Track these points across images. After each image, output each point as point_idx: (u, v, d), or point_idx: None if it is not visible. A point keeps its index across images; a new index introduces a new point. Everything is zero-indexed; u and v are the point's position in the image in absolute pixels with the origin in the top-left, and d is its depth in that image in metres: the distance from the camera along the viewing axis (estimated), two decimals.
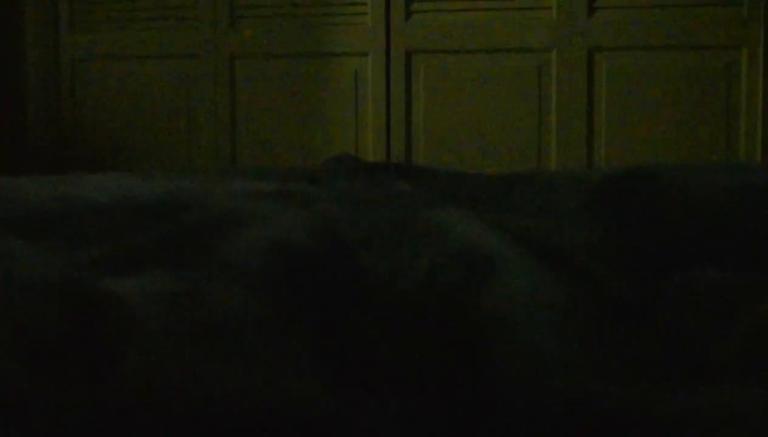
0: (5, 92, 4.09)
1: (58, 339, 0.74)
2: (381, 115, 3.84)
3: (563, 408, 0.60)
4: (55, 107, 4.12)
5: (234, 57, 3.97)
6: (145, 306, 0.74)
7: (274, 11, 3.91)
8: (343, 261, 0.78)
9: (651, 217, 0.98)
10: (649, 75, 3.67)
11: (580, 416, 0.59)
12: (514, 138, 3.75)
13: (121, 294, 0.78)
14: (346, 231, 0.91)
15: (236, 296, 0.67)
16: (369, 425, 0.57)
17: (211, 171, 2.19)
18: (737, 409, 0.61)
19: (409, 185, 1.60)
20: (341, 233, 0.90)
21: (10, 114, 4.10)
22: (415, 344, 0.72)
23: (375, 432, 0.58)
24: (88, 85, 4.10)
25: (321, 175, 1.91)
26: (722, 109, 3.62)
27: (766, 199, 0.98)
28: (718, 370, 0.78)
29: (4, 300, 0.79)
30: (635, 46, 3.67)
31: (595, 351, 0.72)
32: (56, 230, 1.20)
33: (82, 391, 0.61)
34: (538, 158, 3.73)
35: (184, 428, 0.56)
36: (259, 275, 0.70)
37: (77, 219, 1.23)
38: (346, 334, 0.67)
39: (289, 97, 3.92)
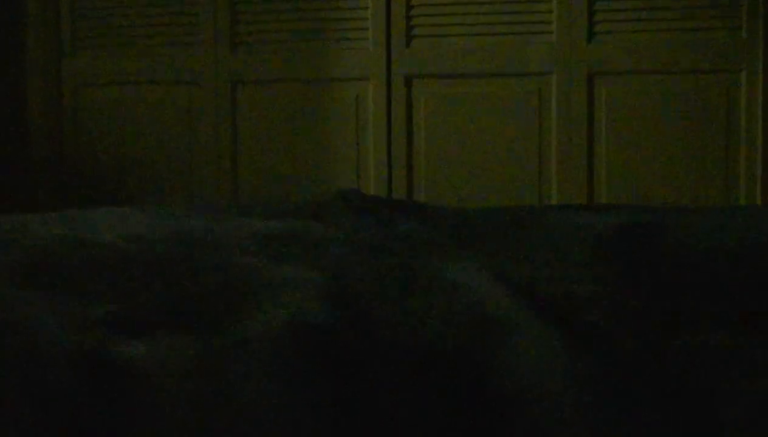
0: (7, 117, 4.10)
1: (72, 408, 0.75)
2: (382, 139, 3.85)
3: None
4: (56, 132, 4.13)
5: (235, 82, 3.98)
6: (158, 374, 0.75)
7: (276, 37, 3.93)
8: (358, 337, 0.79)
9: (657, 273, 0.99)
10: (649, 99, 3.69)
11: None
12: (515, 161, 3.76)
13: (135, 360, 0.79)
14: (359, 293, 0.92)
15: (253, 374, 0.68)
16: None
17: (216, 206, 2.20)
18: None
19: (415, 225, 1.61)
20: (354, 297, 0.91)
21: (12, 139, 4.11)
22: (425, 412, 0.73)
23: None
24: (89, 111, 4.12)
25: (326, 210, 1.92)
26: (722, 132, 3.64)
27: None
28: (728, 432, 0.79)
29: (22, 369, 0.80)
30: (635, 71, 3.69)
31: (606, 421, 0.73)
32: (68, 279, 1.21)
33: None
34: (539, 182, 3.74)
35: None
36: (276, 355, 0.71)
37: (88, 267, 1.24)
38: (360, 409, 0.68)
39: (290, 122, 3.94)
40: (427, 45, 3.82)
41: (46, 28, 4.12)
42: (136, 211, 1.97)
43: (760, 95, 3.60)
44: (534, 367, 0.76)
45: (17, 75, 4.13)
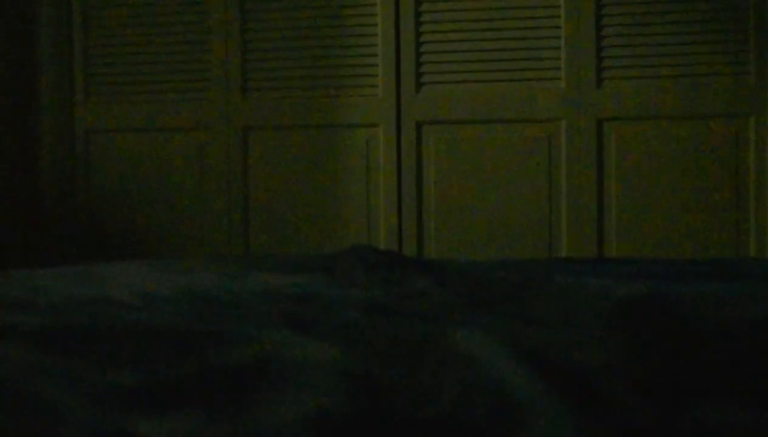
0: (19, 162, 4.14)
1: None
2: (392, 184, 3.88)
3: None
4: (68, 177, 4.16)
5: (246, 128, 4.02)
6: None
7: (286, 83, 3.97)
8: (377, 426, 0.80)
9: (673, 346, 1.00)
10: (658, 144, 3.70)
11: None
12: (525, 207, 3.78)
13: None
14: (376, 374, 0.93)
15: None
16: None
17: (228, 258, 2.21)
18: None
19: (428, 284, 1.63)
20: (372, 379, 0.92)
21: (24, 184, 4.14)
22: None
23: None
24: (101, 158, 4.15)
25: (339, 266, 1.94)
26: (731, 177, 3.65)
27: None
28: None
29: None
30: (644, 116, 3.71)
31: None
32: (86, 345, 1.22)
33: None
34: (548, 227, 3.76)
35: None
36: None
37: (106, 332, 1.25)
38: None
39: (301, 168, 3.97)
40: (436, 91, 3.85)
41: (58, 76, 4.16)
42: (150, 266, 1.99)
43: None
44: None
45: (30, 121, 4.16)
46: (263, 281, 1.76)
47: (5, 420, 0.86)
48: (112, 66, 4.14)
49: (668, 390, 0.93)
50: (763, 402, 0.86)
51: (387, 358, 1.03)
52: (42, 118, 4.17)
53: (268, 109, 3.99)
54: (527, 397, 0.85)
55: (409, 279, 1.69)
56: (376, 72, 3.89)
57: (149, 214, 4.10)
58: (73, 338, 1.25)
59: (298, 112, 3.96)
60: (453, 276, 1.68)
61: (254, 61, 4.00)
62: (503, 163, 3.81)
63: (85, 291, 1.66)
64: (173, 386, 0.93)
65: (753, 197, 3.64)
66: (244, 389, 0.87)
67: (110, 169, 4.14)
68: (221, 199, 4.03)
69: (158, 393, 0.94)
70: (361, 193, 3.91)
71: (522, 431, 0.78)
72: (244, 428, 0.77)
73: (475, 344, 1.06)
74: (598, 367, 1.04)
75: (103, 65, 4.15)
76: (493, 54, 3.80)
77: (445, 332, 1.13)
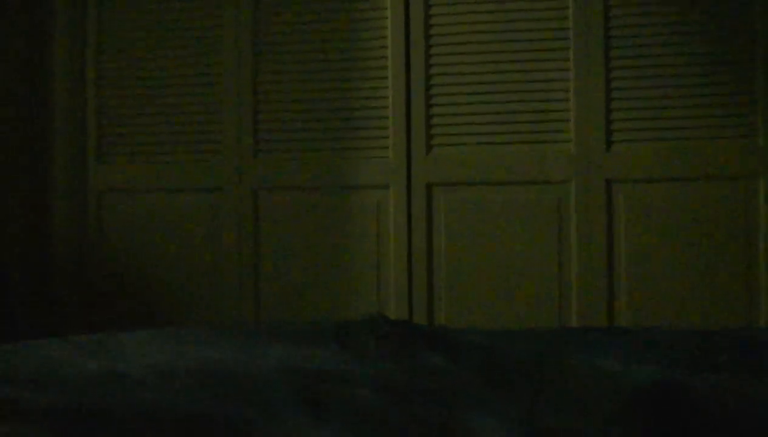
0: (32, 222, 4.16)
1: None
2: (402, 246, 3.89)
3: None
4: (80, 237, 4.18)
5: (257, 189, 4.04)
6: None
7: (297, 145, 4.00)
8: None
9: (687, 435, 1.00)
10: (667, 206, 3.71)
11: None
12: (535, 268, 3.78)
13: None
14: None
15: None
16: None
17: (240, 327, 2.21)
18: None
19: (441, 359, 1.63)
20: None
21: (36, 245, 4.16)
22: None
23: None
24: (113, 218, 4.18)
25: (352, 337, 1.94)
26: (742, 239, 3.65)
27: None
28: None
29: None
30: (653, 178, 3.72)
31: None
32: (97, 427, 1.22)
33: None
34: (559, 289, 3.76)
35: None
36: None
37: (117, 414, 1.26)
38: None
39: (312, 229, 3.98)
40: (446, 153, 3.88)
41: (71, 137, 4.20)
42: (163, 338, 1.99)
43: None
44: None
45: (42, 183, 4.20)
46: (277, 354, 1.77)
47: None
48: (125, 127, 4.18)
49: None
50: None
51: None
52: (55, 179, 4.20)
53: (279, 171, 4.01)
54: None
55: (422, 353, 1.69)
56: (387, 134, 3.92)
57: (160, 274, 4.11)
58: (86, 420, 1.26)
59: (308, 173, 3.98)
60: (465, 351, 1.69)
61: (265, 122, 4.04)
62: (513, 224, 3.82)
63: (98, 366, 1.67)
64: None
65: (763, 259, 3.64)
66: None
67: (122, 229, 4.17)
68: (232, 259, 4.05)
69: None
70: (372, 254, 3.92)
71: None
72: None
73: (493, 433, 1.06)
74: None
75: (116, 126, 4.19)
76: (502, 116, 3.83)
77: (461, 419, 1.13)
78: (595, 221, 3.75)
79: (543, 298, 3.78)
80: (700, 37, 3.69)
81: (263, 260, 4.03)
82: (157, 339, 1.96)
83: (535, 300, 3.78)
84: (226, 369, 1.64)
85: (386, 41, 3.93)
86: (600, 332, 1.97)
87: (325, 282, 3.96)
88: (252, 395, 1.34)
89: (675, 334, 1.84)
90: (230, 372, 1.59)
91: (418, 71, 3.88)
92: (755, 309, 3.64)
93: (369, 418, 1.12)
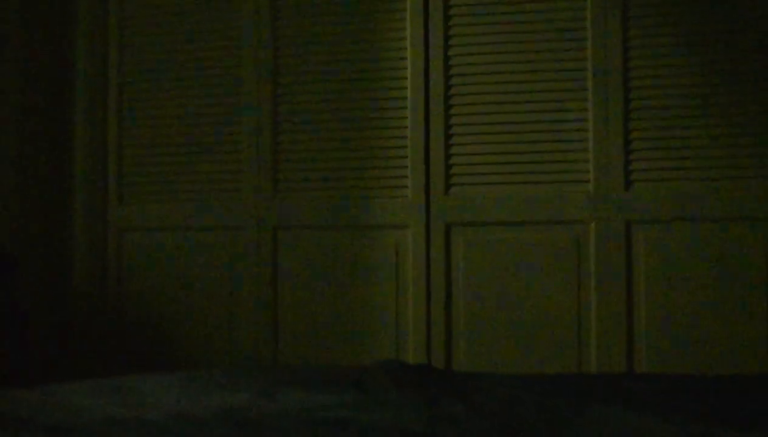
0: (53, 261, 4.19)
1: None
2: (421, 286, 3.89)
3: None
4: (101, 276, 4.21)
5: (276, 228, 4.06)
6: None
7: (317, 184, 4.02)
8: None
9: None
10: (687, 246, 3.70)
11: None
12: (554, 309, 3.78)
13: None
14: None
15: None
16: None
17: (259, 370, 2.23)
18: None
19: (459, 407, 1.63)
20: None
21: (58, 282, 4.19)
22: None
23: None
24: (133, 256, 4.20)
25: (370, 383, 1.95)
26: (763, 280, 3.64)
27: None
28: None
29: None
30: (672, 219, 3.72)
31: None
32: None
33: None
34: (578, 330, 3.75)
35: None
36: None
37: None
38: None
39: (330, 268, 4.00)
40: (465, 193, 3.89)
41: (92, 177, 4.24)
42: (184, 381, 2.00)
43: None
44: None
45: (64, 222, 4.23)
46: (297, 400, 1.78)
47: None
48: (145, 165, 4.21)
49: None
50: None
51: None
52: (76, 218, 4.23)
53: (298, 210, 4.03)
54: None
55: (441, 400, 1.70)
56: (406, 173, 3.94)
57: (179, 312, 4.13)
58: None
59: (327, 212, 4.00)
60: (485, 399, 1.69)
61: (285, 161, 4.06)
62: (532, 264, 3.82)
63: (121, 412, 1.68)
64: None
65: None
66: None
67: (141, 268, 4.19)
68: (250, 298, 4.06)
69: None
70: (390, 293, 3.93)
71: None
72: None
73: None
74: None
75: (136, 165, 4.23)
76: (521, 156, 3.84)
77: None
78: (615, 262, 3.74)
79: (562, 339, 3.77)
80: (720, 77, 3.70)
81: (281, 298, 4.04)
82: (179, 384, 1.97)
83: (554, 342, 3.77)
84: (247, 416, 1.65)
85: (406, 82, 3.96)
86: (619, 379, 1.96)
87: (344, 321, 3.97)
88: None
89: (702, 382, 1.84)
90: (252, 420, 1.60)
91: (437, 111, 3.91)
92: None
93: None
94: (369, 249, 3.96)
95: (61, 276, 4.21)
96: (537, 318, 3.79)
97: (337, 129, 4.02)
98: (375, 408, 1.69)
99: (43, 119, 4.17)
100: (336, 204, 3.99)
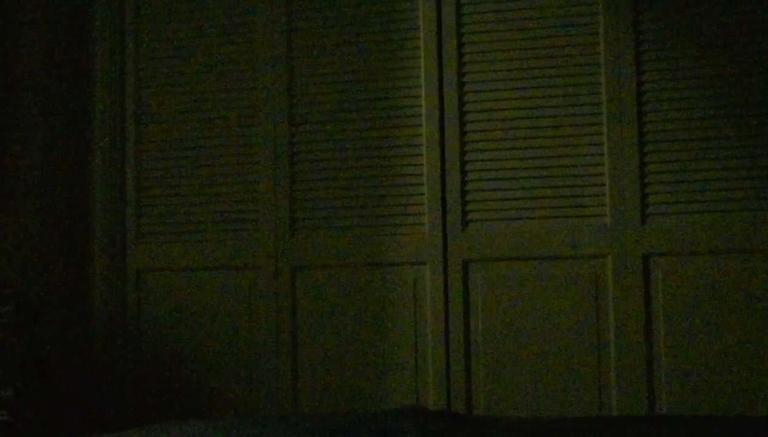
0: (72, 302, 4.21)
1: None
2: (440, 322, 3.90)
3: None
4: (120, 317, 4.23)
5: (294, 268, 4.08)
6: None
7: (334, 222, 4.04)
8: None
9: None
10: (706, 280, 3.70)
11: None
12: (573, 345, 3.78)
13: None
14: None
15: None
16: None
17: (280, 423, 2.23)
18: None
19: None
20: None
21: (77, 323, 4.21)
22: None
23: None
24: (152, 296, 4.23)
25: (390, 430, 1.95)
26: None
27: None
28: None
29: None
30: (690, 252, 3.71)
31: None
32: None
33: None
34: (597, 366, 3.74)
35: None
36: None
37: None
38: None
39: (349, 306, 4.01)
40: (482, 229, 3.90)
41: (111, 218, 4.26)
42: (211, 432, 2.01)
43: None
44: None
45: (83, 265, 4.26)
46: None
47: None
48: (163, 207, 4.24)
49: None
50: None
51: None
52: (95, 259, 4.26)
53: (316, 248, 4.05)
54: None
55: None
56: (423, 210, 3.96)
57: (198, 353, 4.14)
58: None
59: (345, 250, 4.02)
60: None
61: (302, 200, 4.08)
62: (550, 299, 3.82)
63: None
64: None
65: None
66: None
67: (160, 307, 4.21)
68: (270, 337, 4.07)
69: None
70: (409, 331, 3.94)
71: None
72: None
73: None
74: None
75: (155, 207, 4.25)
76: (537, 191, 3.85)
77: None
78: (633, 295, 3.74)
79: (581, 376, 3.76)
80: (739, 109, 3.71)
81: (301, 338, 4.06)
82: (205, 434, 1.98)
83: (573, 378, 3.77)
84: None
85: (420, 119, 3.98)
86: (639, 422, 1.96)
87: (363, 361, 3.97)
88: None
89: (729, 423, 1.83)
90: None
91: (452, 148, 3.93)
92: None
93: None
94: (387, 287, 3.97)
95: (81, 320, 4.23)
96: (556, 354, 3.79)
97: (353, 167, 4.04)
98: None
99: (63, 164, 4.20)
100: (353, 242, 4.01)
